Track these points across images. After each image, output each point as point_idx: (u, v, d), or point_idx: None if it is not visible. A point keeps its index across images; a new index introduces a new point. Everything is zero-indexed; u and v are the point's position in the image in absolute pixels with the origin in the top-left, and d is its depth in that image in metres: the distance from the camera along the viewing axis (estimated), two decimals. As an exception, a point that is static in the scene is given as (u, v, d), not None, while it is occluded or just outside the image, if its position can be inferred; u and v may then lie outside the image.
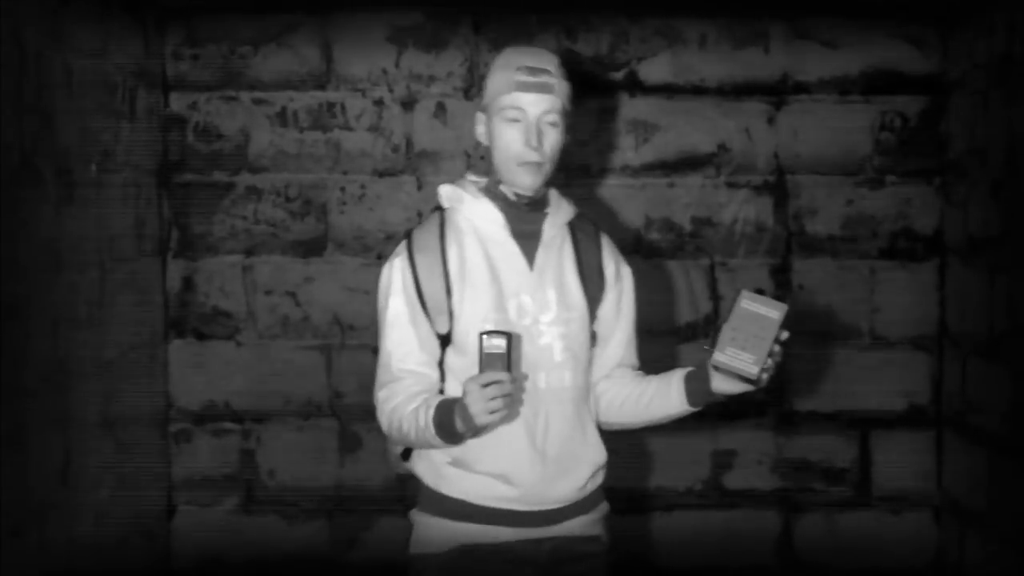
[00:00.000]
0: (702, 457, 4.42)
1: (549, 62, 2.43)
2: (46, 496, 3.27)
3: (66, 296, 3.43)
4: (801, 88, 4.39)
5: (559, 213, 2.51)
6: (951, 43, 4.32)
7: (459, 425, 2.27)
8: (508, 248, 2.44)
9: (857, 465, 4.43)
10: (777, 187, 4.40)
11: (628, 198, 4.38)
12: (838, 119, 4.39)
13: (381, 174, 4.38)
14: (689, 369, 2.48)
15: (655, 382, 2.51)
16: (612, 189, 4.39)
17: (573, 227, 2.55)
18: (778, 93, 4.39)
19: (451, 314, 2.40)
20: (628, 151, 4.39)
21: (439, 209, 2.52)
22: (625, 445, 4.26)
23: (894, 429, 4.42)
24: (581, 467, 2.46)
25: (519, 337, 2.38)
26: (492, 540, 2.42)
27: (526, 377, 2.39)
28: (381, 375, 2.46)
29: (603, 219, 4.35)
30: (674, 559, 4.38)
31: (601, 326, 2.54)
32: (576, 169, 4.35)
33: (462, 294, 2.40)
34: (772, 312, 2.28)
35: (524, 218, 2.46)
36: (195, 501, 4.39)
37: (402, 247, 2.47)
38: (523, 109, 2.38)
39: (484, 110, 2.46)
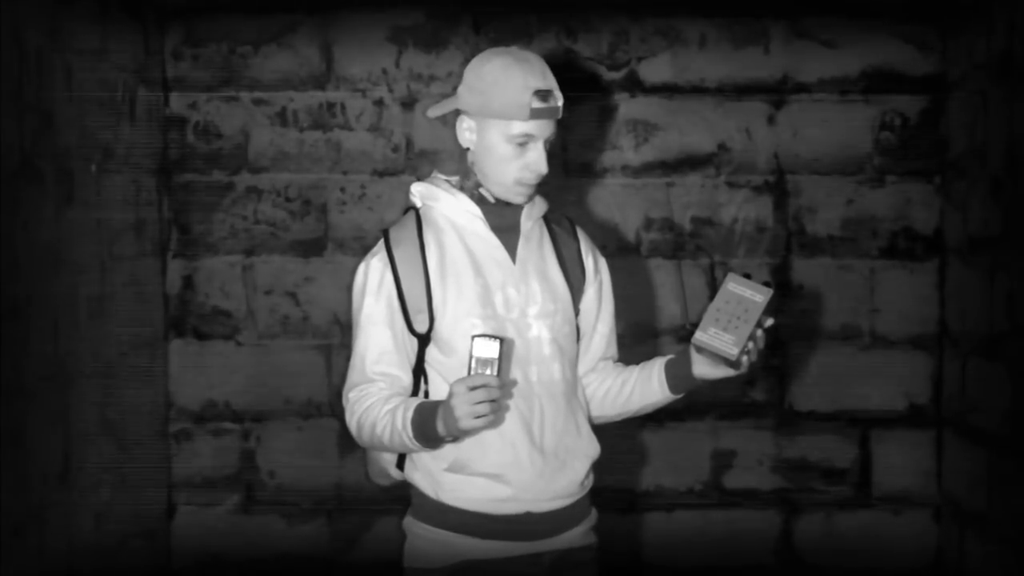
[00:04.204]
0: (702, 457, 4.42)
1: (552, 78, 2.36)
2: (46, 496, 3.27)
3: (66, 296, 3.43)
4: (801, 88, 4.39)
5: (534, 207, 2.48)
6: (951, 43, 4.32)
7: (440, 428, 2.22)
8: (490, 242, 2.42)
9: (857, 465, 4.43)
10: (777, 187, 4.40)
11: (628, 198, 4.38)
12: (838, 119, 4.39)
13: (381, 174, 4.38)
14: (669, 357, 2.48)
15: (636, 372, 2.50)
16: (612, 189, 4.39)
17: (548, 221, 2.53)
18: (778, 93, 4.39)
19: (431, 313, 2.37)
20: (628, 151, 4.39)
21: (411, 209, 2.49)
22: (625, 445, 4.31)
23: (894, 429, 4.42)
24: (578, 460, 2.44)
25: (511, 343, 2.35)
26: (493, 556, 2.38)
27: (515, 383, 2.36)
28: (353, 376, 2.41)
29: (602, 219, 4.35)
30: (674, 559, 4.38)
31: (583, 320, 2.52)
32: (576, 169, 4.35)
33: (444, 291, 2.37)
34: (757, 296, 2.28)
35: (500, 213, 2.43)
36: (195, 501, 4.39)
37: (379, 246, 2.42)
38: (534, 135, 2.34)
39: (473, 115, 2.37)
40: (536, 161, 2.35)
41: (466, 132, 2.40)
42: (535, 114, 2.32)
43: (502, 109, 2.33)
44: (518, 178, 2.37)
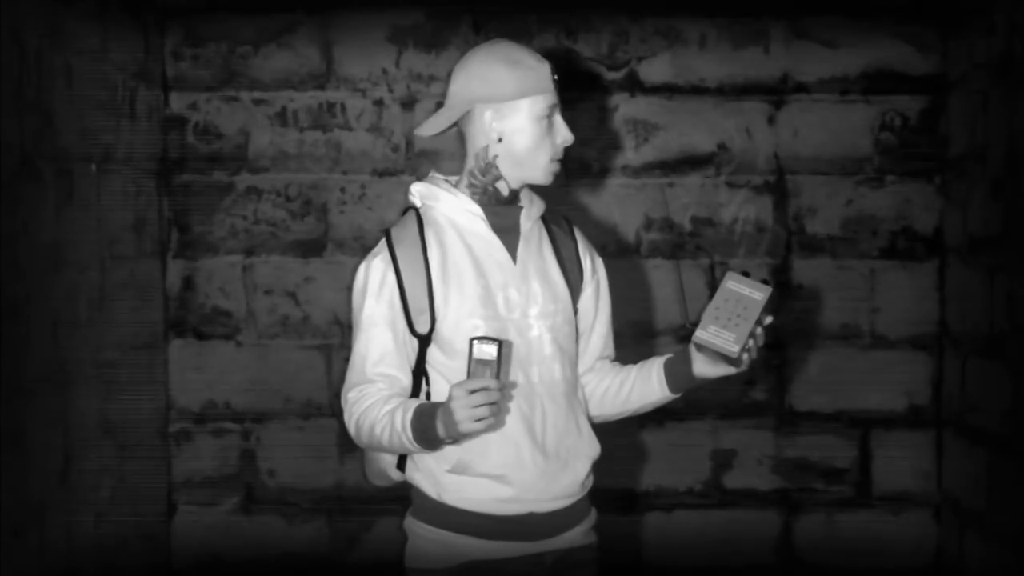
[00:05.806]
0: (702, 457, 4.42)
1: None
2: (46, 496, 3.27)
3: (66, 296, 3.43)
4: (801, 88, 4.39)
5: (532, 207, 2.48)
6: (951, 43, 4.32)
7: (440, 431, 2.22)
8: (491, 242, 2.41)
9: (857, 465, 4.43)
10: (777, 187, 4.40)
11: (628, 198, 4.38)
12: (838, 119, 4.39)
13: (381, 174, 4.38)
14: (668, 356, 2.48)
15: (635, 371, 2.51)
16: (612, 189, 4.39)
17: (546, 221, 2.53)
18: (778, 93, 4.39)
19: (433, 313, 2.36)
20: (628, 151, 4.39)
21: (411, 209, 2.48)
22: (625, 445, 4.30)
23: (894, 429, 4.42)
24: (579, 461, 2.44)
25: (510, 344, 2.34)
26: (494, 556, 2.38)
27: (514, 385, 2.36)
28: (352, 376, 2.40)
29: (602, 219, 4.36)
30: (674, 559, 4.38)
31: (581, 320, 2.52)
32: (576, 169, 4.35)
33: (446, 292, 2.36)
34: (756, 293, 2.29)
35: (500, 213, 2.43)
36: (195, 501, 4.39)
37: (381, 246, 2.41)
38: (558, 105, 2.40)
39: (497, 104, 2.35)
40: (566, 128, 2.40)
41: (492, 123, 2.37)
42: (555, 85, 2.39)
43: (526, 86, 2.35)
44: (553, 154, 2.40)
